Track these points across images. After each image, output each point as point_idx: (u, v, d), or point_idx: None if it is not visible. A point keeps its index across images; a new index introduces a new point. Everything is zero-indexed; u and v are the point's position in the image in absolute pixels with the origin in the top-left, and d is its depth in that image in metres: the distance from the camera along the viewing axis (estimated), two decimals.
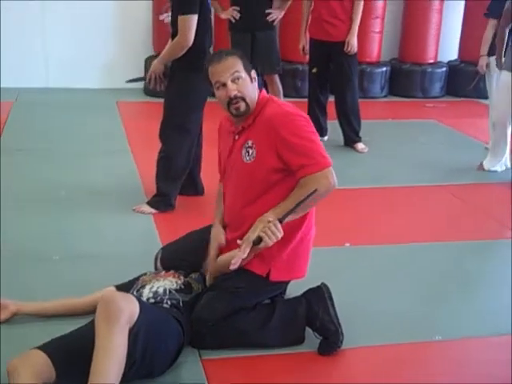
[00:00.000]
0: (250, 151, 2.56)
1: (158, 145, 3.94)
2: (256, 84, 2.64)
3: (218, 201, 2.85)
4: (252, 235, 2.42)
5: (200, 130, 4.07)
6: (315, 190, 2.40)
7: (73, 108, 6.27)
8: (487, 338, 2.78)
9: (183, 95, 3.80)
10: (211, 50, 3.97)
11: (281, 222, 2.41)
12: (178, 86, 3.80)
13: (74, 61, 6.96)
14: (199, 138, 4.10)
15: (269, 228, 2.39)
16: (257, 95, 2.62)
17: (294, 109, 2.60)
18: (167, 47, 3.82)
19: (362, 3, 5.18)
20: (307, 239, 2.64)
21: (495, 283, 3.35)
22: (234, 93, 2.54)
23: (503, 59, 4.82)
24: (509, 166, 4.97)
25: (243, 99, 2.55)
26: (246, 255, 2.43)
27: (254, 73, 2.64)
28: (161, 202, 3.93)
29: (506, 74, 4.73)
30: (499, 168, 4.97)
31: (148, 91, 6.88)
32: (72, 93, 6.80)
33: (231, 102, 2.55)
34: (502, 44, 4.86)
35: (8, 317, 2.64)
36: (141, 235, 3.64)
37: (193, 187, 4.18)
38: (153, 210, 3.90)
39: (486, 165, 4.99)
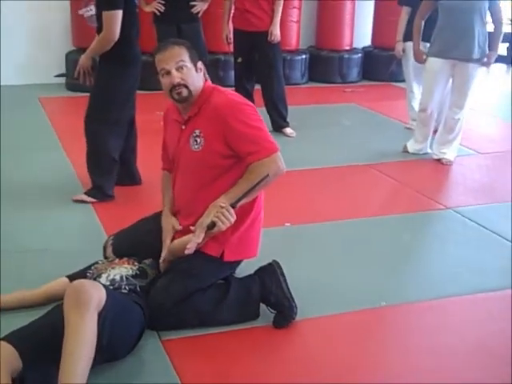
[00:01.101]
0: (198, 140, 2.63)
1: None
2: (202, 75, 2.72)
3: (164, 189, 2.89)
4: (206, 220, 2.51)
5: (133, 120, 4.10)
6: (267, 175, 2.50)
7: None
8: (427, 302, 2.96)
9: (111, 87, 3.82)
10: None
11: (233, 206, 2.51)
12: (106, 78, 3.81)
13: None
14: (133, 129, 4.14)
15: (222, 213, 2.48)
16: (202, 85, 2.69)
17: (240, 97, 2.70)
18: (94, 42, 3.80)
19: None
20: (258, 220, 2.74)
21: (431, 251, 3.57)
22: (177, 80, 2.62)
23: (421, 49, 4.90)
24: (429, 151, 5.14)
25: (186, 86, 2.63)
26: (200, 240, 2.52)
27: (200, 64, 2.71)
28: (98, 193, 3.95)
29: (433, 60, 4.80)
30: (422, 151, 5.15)
31: (70, 86, 6.79)
32: None
33: (174, 88, 2.63)
34: (418, 35, 4.90)
35: None
36: (83, 227, 3.65)
37: (129, 177, 4.21)
38: (92, 199, 3.91)
39: (410, 147, 5.17)
